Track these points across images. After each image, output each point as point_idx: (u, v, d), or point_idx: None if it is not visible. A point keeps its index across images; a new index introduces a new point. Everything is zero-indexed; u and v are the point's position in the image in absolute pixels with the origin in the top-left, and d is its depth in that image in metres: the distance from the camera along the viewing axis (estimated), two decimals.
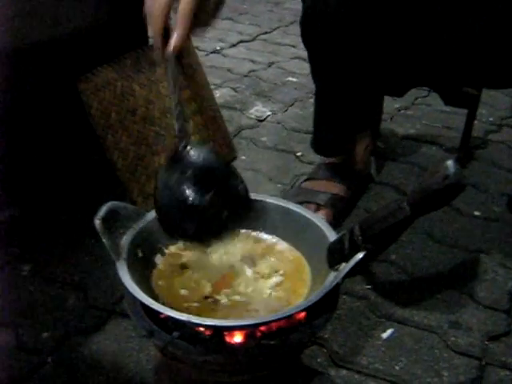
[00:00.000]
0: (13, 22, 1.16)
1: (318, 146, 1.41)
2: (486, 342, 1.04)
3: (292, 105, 1.95)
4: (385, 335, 1.05)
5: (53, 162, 1.33)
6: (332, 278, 0.78)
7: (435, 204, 0.72)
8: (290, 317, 0.75)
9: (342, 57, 1.22)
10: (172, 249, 0.89)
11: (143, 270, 0.84)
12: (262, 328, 0.75)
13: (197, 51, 1.61)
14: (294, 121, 1.84)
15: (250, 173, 1.55)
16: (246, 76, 2.21)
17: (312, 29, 1.24)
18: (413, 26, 1.20)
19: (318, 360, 1.00)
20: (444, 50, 1.22)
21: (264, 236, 0.93)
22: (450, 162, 0.68)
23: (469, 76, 1.32)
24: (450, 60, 1.24)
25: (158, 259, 0.87)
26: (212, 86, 1.69)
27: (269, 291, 0.82)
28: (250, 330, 0.74)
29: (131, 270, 0.78)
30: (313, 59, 1.30)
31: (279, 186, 1.50)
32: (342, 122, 1.34)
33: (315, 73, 1.33)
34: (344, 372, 0.98)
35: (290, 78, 2.17)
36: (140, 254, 0.84)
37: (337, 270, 0.78)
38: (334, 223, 1.23)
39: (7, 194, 1.26)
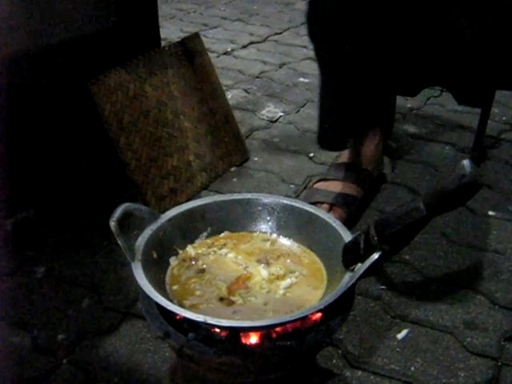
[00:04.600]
0: (27, 24, 1.17)
1: (322, 140, 1.41)
2: (503, 343, 1.03)
3: (304, 105, 1.95)
4: (400, 336, 1.04)
5: (66, 163, 1.34)
6: (347, 278, 0.77)
7: (451, 204, 0.71)
8: (305, 318, 0.75)
9: (346, 51, 1.23)
10: (187, 250, 0.89)
11: (158, 271, 0.84)
12: (278, 329, 0.74)
13: (208, 53, 1.62)
14: (306, 121, 1.83)
15: (263, 174, 1.55)
16: (257, 77, 2.21)
17: (317, 23, 1.25)
18: (422, 23, 1.20)
19: (334, 361, 0.99)
20: (455, 48, 1.21)
21: (278, 237, 0.93)
22: (466, 161, 0.68)
23: (481, 75, 1.32)
24: (462, 59, 1.24)
25: (173, 260, 0.87)
26: (224, 88, 1.69)
27: (284, 292, 0.82)
28: (265, 331, 0.74)
29: (146, 271, 0.78)
30: (318, 53, 1.31)
31: (292, 186, 1.49)
32: (346, 116, 1.35)
33: (321, 67, 1.33)
34: (359, 373, 0.97)
35: (302, 79, 2.17)
36: (155, 256, 0.84)
37: (352, 270, 0.78)
38: (348, 223, 1.23)
39: (21, 196, 1.26)
